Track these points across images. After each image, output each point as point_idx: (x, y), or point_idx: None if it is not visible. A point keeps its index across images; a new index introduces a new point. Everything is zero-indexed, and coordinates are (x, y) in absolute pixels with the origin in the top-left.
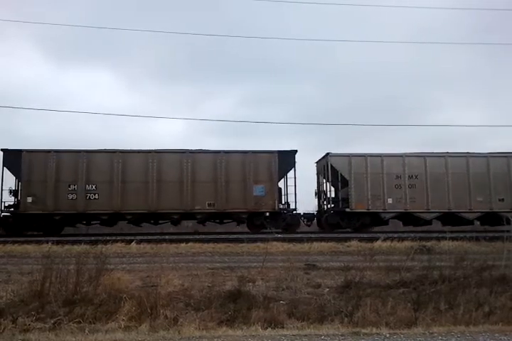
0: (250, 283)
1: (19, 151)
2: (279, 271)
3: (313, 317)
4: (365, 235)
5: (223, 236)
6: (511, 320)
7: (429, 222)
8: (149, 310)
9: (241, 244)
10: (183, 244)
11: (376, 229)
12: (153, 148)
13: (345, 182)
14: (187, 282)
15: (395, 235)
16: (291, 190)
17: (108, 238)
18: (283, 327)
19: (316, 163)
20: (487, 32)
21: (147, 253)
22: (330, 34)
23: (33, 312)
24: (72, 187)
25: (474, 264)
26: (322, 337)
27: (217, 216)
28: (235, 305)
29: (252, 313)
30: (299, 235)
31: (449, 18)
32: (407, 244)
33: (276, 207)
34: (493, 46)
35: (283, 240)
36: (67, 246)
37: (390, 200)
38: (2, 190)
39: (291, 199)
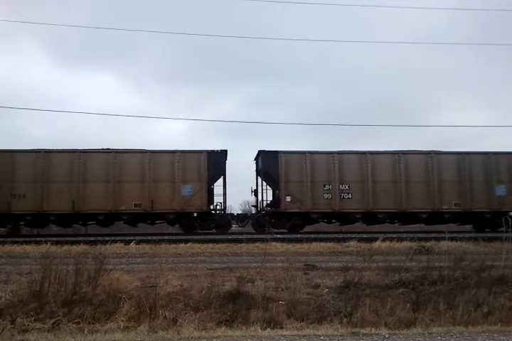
0: (249, 284)
1: (276, 153)
2: (278, 272)
3: (313, 317)
4: (364, 235)
5: (222, 236)
6: (510, 320)
7: None
8: (148, 311)
9: (240, 244)
10: (182, 245)
11: (376, 229)
12: (399, 149)
13: None
14: (186, 282)
15: (394, 235)
16: None
17: (107, 238)
18: (282, 328)
19: None
20: (490, 32)
21: (146, 253)
22: (334, 35)
23: (32, 313)
24: (327, 186)
25: (473, 265)
26: (321, 338)
27: (463, 215)
28: (234, 306)
29: (251, 313)
30: (298, 235)
31: (453, 19)
32: (406, 244)
33: None
34: (496, 47)
35: (282, 240)
36: (66, 247)
37: None
38: (263, 189)
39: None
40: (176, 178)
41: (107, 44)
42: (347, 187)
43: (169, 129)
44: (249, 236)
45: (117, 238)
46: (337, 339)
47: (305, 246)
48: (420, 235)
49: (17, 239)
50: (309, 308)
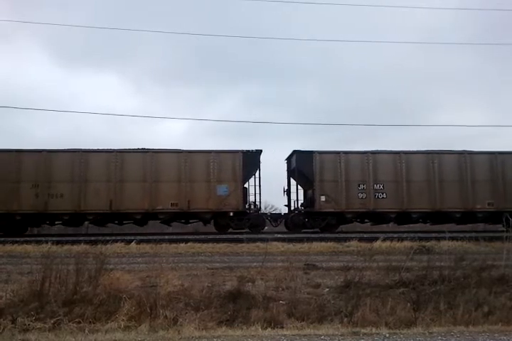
0: (250, 283)
1: (310, 152)
2: (279, 271)
3: (313, 317)
4: (365, 235)
5: (223, 236)
6: (511, 320)
7: None
8: (149, 310)
9: (241, 244)
10: (182, 244)
11: (376, 228)
12: (433, 149)
13: None
14: (187, 282)
15: (395, 235)
16: None
17: (108, 238)
18: (282, 327)
19: None
20: (491, 32)
21: (147, 253)
22: (333, 35)
23: (32, 312)
24: (361, 186)
25: (474, 264)
26: (322, 337)
27: (496, 215)
28: (235, 305)
29: (252, 313)
30: (298, 235)
31: (454, 19)
32: (406, 244)
33: None
34: (497, 47)
35: (283, 240)
36: (66, 246)
37: None
38: (297, 189)
39: None
40: (211, 178)
41: (108, 44)
42: (381, 186)
43: (171, 129)
44: (249, 236)
45: (118, 238)
46: (338, 339)
47: (306, 245)
48: (421, 235)
49: (18, 239)
50: (310, 308)
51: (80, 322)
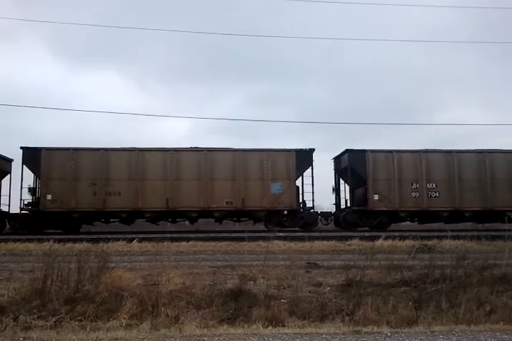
0: (251, 282)
1: (363, 151)
2: (281, 270)
3: (315, 315)
4: (367, 234)
5: (224, 234)
6: None
7: None
8: (150, 308)
9: (242, 243)
10: (184, 243)
11: None
12: (485, 148)
13: None
14: (188, 280)
15: (396, 234)
16: None
17: (109, 236)
18: (284, 326)
19: None
20: (493, 31)
21: (148, 251)
22: (335, 33)
23: (34, 310)
24: (414, 185)
25: (476, 263)
26: (323, 336)
27: None
28: (236, 304)
29: (253, 312)
30: (300, 234)
31: (455, 18)
32: (408, 242)
33: None
34: (498, 45)
35: (284, 239)
36: (68, 244)
37: None
38: (351, 188)
39: None
40: (265, 176)
41: (111, 42)
42: (434, 185)
43: (174, 127)
44: (251, 235)
45: (120, 236)
46: (339, 338)
47: (307, 244)
48: (423, 234)
49: (20, 237)
50: (311, 306)
51: (81, 320)
